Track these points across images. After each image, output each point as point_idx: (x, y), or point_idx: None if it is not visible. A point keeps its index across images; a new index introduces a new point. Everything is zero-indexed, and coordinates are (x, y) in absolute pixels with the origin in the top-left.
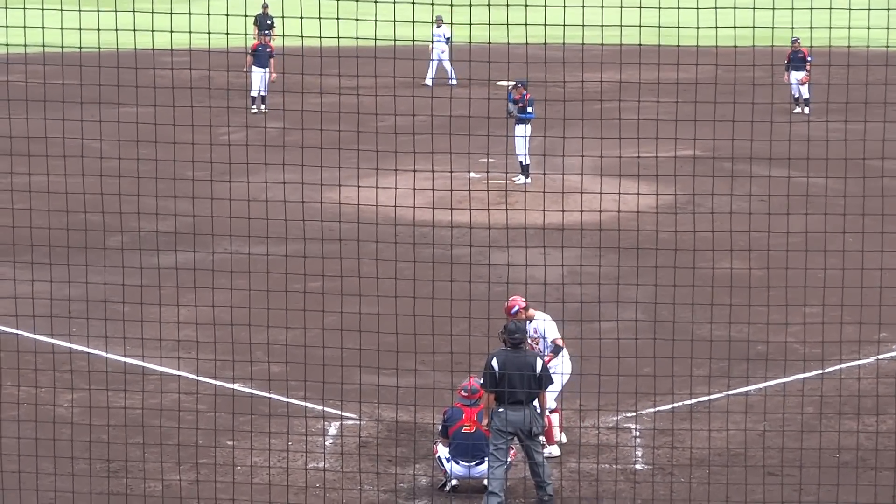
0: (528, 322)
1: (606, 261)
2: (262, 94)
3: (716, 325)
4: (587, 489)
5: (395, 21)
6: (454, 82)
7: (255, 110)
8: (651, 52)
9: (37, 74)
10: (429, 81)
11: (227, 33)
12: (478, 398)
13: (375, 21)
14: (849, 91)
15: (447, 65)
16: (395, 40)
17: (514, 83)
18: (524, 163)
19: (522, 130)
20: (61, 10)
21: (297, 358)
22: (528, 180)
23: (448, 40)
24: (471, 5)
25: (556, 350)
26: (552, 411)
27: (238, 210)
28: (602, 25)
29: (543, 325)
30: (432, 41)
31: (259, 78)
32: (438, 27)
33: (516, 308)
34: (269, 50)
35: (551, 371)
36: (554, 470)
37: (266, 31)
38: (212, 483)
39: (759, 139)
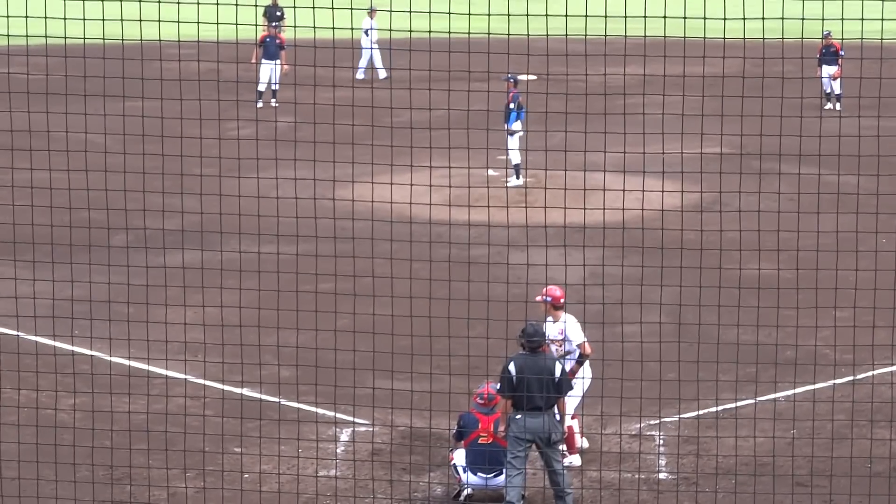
0: (553, 322)
1: (629, 261)
2: (274, 87)
3: (743, 329)
4: (608, 499)
5: (410, 11)
6: (383, 75)
7: (262, 105)
8: (676, 45)
9: (39, 67)
10: (361, 74)
11: (237, 24)
12: (494, 405)
13: (391, 12)
14: (882, 86)
15: (377, 56)
16: (409, 32)
17: (506, 78)
18: (515, 161)
19: (518, 127)
20: None
21: (308, 361)
22: (521, 181)
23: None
24: None
25: (582, 359)
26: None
27: (247, 208)
28: (626, 17)
29: (566, 327)
30: (365, 31)
31: (268, 71)
32: (372, 18)
33: (543, 298)
34: (278, 42)
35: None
36: (574, 479)
37: (276, 23)
38: (219, 491)
39: (789, 135)
